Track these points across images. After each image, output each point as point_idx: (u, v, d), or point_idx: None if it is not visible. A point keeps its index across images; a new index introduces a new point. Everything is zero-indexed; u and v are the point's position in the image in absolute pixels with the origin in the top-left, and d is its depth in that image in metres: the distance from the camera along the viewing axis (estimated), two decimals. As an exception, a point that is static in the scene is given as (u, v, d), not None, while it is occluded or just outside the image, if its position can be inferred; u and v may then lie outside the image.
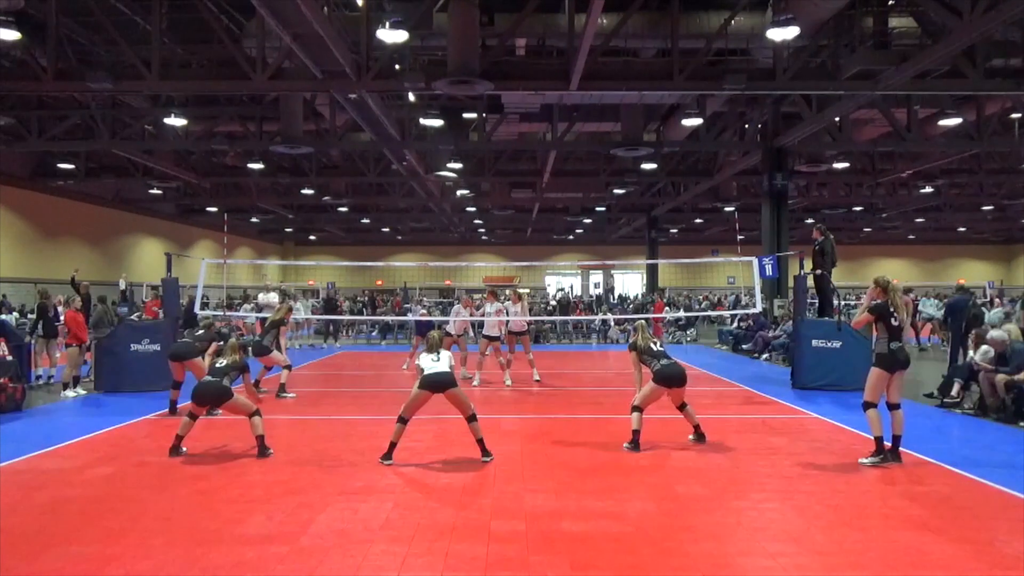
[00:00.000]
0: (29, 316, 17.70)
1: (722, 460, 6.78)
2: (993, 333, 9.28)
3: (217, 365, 7.10)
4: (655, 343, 7.53)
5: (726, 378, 13.13)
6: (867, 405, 6.53)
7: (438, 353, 6.73)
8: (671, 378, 7.15)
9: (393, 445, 6.61)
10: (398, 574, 4.12)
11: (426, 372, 6.57)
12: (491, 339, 12.22)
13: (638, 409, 7.16)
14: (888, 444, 6.48)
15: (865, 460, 6.48)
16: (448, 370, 6.62)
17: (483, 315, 12.52)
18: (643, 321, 8.01)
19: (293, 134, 16.66)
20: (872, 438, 6.55)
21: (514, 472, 6.31)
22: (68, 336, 11.24)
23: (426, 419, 8.55)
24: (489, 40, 13.23)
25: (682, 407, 7.41)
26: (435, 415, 8.19)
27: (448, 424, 7.92)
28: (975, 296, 15.55)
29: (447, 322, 12.66)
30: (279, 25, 10.78)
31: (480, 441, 6.68)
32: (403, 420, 6.60)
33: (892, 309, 6.44)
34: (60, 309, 14.03)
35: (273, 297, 18.75)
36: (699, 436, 7.47)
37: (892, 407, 6.48)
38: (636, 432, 7.08)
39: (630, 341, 7.81)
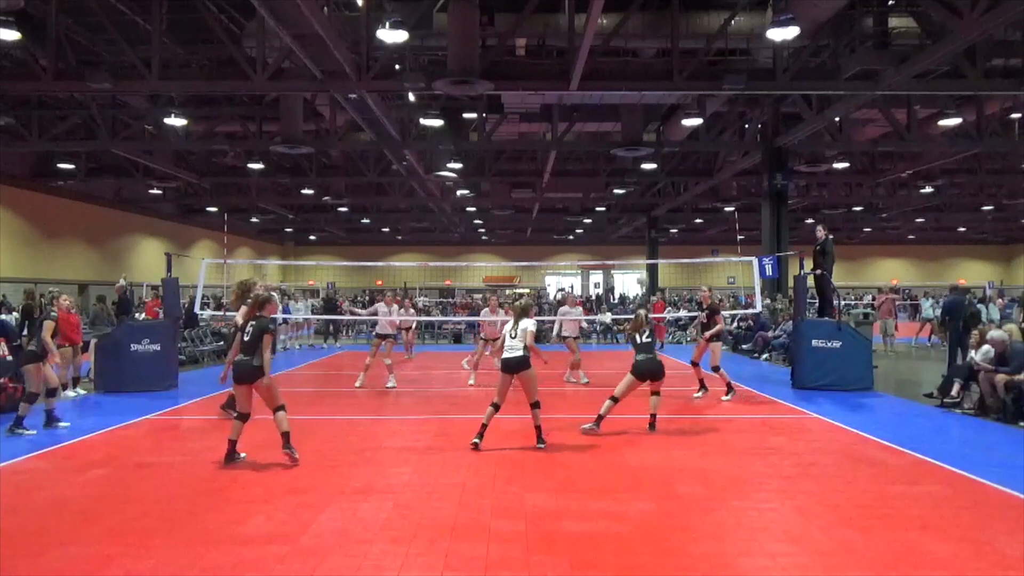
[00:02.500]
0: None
1: (722, 460, 6.78)
2: (993, 333, 9.26)
3: (246, 339, 6.66)
4: (643, 334, 7.87)
5: (726, 378, 13.11)
6: (716, 368, 9.89)
7: (516, 326, 7.01)
8: (645, 373, 7.70)
9: (484, 427, 6.99)
10: (398, 574, 4.12)
11: (504, 356, 6.97)
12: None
13: (614, 399, 7.71)
14: (737, 384, 9.87)
15: (726, 398, 9.92)
16: (521, 353, 6.91)
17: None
18: (644, 311, 8.44)
19: (293, 134, 16.65)
20: (726, 385, 10.01)
21: (514, 472, 6.30)
22: (59, 337, 11.14)
23: (427, 419, 8.55)
24: (489, 40, 13.22)
25: (654, 394, 7.97)
26: (436, 414, 8.20)
27: (449, 424, 7.93)
28: (972, 295, 15.51)
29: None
30: (279, 25, 10.78)
31: (538, 428, 7.12)
32: (495, 405, 6.99)
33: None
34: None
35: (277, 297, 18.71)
36: (651, 425, 7.95)
37: (695, 364, 10.26)
38: (600, 417, 7.69)
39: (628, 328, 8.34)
